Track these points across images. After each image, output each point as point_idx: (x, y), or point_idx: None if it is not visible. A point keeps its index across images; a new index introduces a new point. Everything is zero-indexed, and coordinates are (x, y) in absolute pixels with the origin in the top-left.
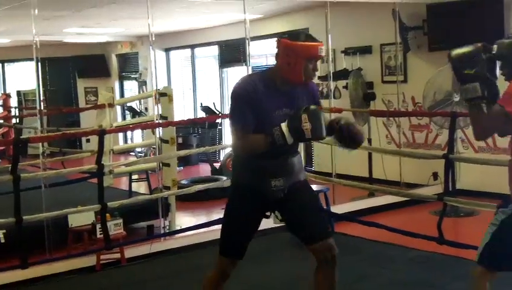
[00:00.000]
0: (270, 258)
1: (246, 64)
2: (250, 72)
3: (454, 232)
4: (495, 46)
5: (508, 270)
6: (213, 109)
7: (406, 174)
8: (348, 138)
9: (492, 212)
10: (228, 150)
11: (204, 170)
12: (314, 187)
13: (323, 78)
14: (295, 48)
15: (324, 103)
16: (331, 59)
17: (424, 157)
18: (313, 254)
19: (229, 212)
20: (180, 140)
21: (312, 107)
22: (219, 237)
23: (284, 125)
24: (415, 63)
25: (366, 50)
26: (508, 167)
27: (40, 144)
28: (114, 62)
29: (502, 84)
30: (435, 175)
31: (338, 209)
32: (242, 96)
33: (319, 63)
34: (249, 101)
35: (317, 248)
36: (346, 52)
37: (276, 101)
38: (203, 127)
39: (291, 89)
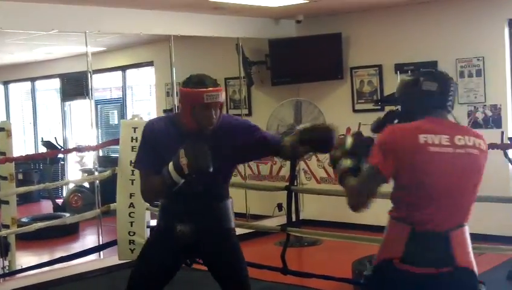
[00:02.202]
0: None
1: (89, 98)
2: (93, 105)
3: (298, 262)
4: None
5: None
6: (55, 143)
7: (252, 206)
8: (310, 141)
9: (334, 241)
10: (71, 185)
11: (46, 207)
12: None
13: (169, 111)
14: (182, 94)
15: None
16: (175, 93)
17: (267, 190)
18: None
19: (142, 252)
20: (20, 176)
21: (193, 141)
22: (63, 276)
23: (170, 164)
24: (258, 97)
25: None
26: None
27: None
28: None
29: None
30: (280, 206)
31: None
32: (146, 136)
33: (163, 95)
34: (152, 143)
35: None
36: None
37: (181, 145)
38: (44, 163)
39: (200, 133)
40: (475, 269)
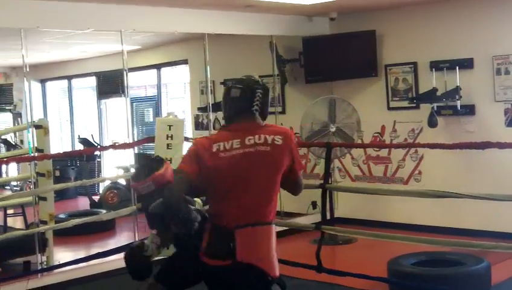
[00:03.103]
0: None
1: (124, 96)
2: (129, 103)
3: (332, 260)
4: None
5: None
6: (91, 141)
7: (286, 204)
8: None
9: (369, 239)
10: (107, 182)
11: (83, 203)
12: None
13: (203, 109)
14: None
15: (204, 133)
16: (210, 90)
17: None
18: None
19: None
20: (57, 173)
21: None
22: (99, 272)
23: None
24: (292, 95)
25: None
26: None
27: None
28: None
29: None
30: (314, 204)
31: None
32: None
33: (198, 93)
34: None
35: None
36: (225, 83)
37: None
38: (81, 160)
39: None
40: (264, 266)
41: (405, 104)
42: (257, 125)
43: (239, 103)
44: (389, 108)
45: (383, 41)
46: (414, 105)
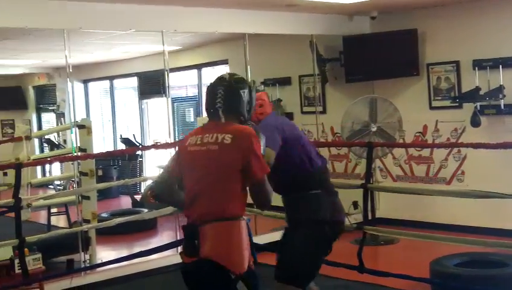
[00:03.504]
0: None
1: (165, 96)
2: (170, 103)
3: (374, 261)
4: None
5: None
6: (133, 140)
7: None
8: None
9: (410, 240)
10: (149, 181)
11: (125, 202)
12: None
13: None
14: None
15: None
16: None
17: (342, 187)
18: None
19: None
20: (100, 172)
21: None
22: (141, 271)
23: None
24: (333, 94)
25: (285, 81)
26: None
27: None
28: (31, 94)
29: None
30: (355, 204)
31: (260, 239)
32: None
33: None
34: None
35: None
36: (266, 83)
37: None
38: (123, 159)
39: None
40: (226, 262)
41: (447, 103)
42: (218, 123)
43: (207, 102)
44: (431, 107)
45: (425, 40)
46: (456, 104)
